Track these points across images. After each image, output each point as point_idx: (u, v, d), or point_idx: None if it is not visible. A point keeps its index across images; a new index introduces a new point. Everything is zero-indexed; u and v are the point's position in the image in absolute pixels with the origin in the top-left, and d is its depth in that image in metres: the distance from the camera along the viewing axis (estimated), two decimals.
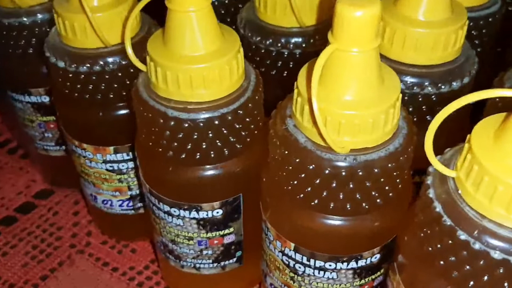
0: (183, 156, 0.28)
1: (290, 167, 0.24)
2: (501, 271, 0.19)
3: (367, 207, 0.24)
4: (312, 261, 0.26)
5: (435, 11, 0.27)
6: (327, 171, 0.23)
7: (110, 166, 0.35)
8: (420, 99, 0.28)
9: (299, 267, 0.27)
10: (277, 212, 0.27)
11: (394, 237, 0.26)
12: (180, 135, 0.27)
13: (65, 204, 0.45)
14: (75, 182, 0.40)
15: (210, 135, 0.27)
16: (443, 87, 0.28)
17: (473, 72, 0.29)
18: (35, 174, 0.48)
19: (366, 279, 0.27)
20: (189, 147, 0.27)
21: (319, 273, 0.27)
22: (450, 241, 0.20)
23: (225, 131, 0.27)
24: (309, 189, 0.24)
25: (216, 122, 0.26)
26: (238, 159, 0.29)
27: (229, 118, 0.27)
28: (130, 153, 0.35)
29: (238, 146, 0.28)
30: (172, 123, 0.26)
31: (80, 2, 0.29)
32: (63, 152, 0.43)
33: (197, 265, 0.33)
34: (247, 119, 0.28)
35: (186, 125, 0.26)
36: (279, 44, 0.33)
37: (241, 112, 0.27)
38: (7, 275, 0.39)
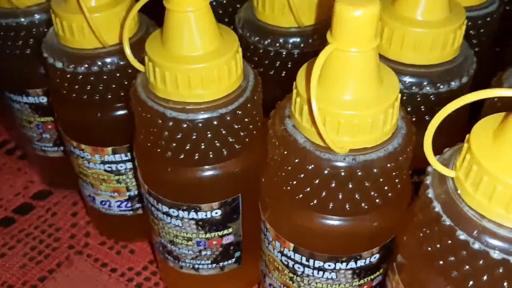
0: (182, 156, 0.27)
1: (289, 167, 0.24)
2: (500, 271, 0.19)
3: (366, 207, 0.24)
4: (311, 261, 0.26)
5: (434, 11, 0.27)
6: (326, 171, 0.23)
7: (109, 167, 0.35)
8: (418, 99, 0.28)
9: (298, 268, 0.27)
10: (276, 212, 0.27)
11: (393, 237, 0.26)
12: (179, 136, 0.27)
13: (63, 205, 0.45)
14: (73, 183, 0.40)
15: (209, 135, 0.27)
16: (441, 87, 0.28)
17: (472, 71, 0.29)
18: (33, 175, 0.48)
19: (365, 279, 0.27)
20: (187, 147, 0.27)
21: (318, 273, 0.27)
22: (449, 241, 0.20)
23: (224, 132, 0.27)
24: (308, 189, 0.24)
25: (215, 123, 0.26)
26: (237, 159, 0.29)
27: (228, 118, 0.27)
28: (129, 154, 0.35)
29: (237, 147, 0.28)
30: (171, 123, 0.26)
31: (78, 3, 0.28)
32: (61, 153, 0.43)
33: (196, 266, 0.33)
34: (246, 120, 0.28)
35: (185, 125, 0.26)
36: (278, 44, 0.33)
37: (240, 112, 0.27)
38: (6, 277, 0.39)
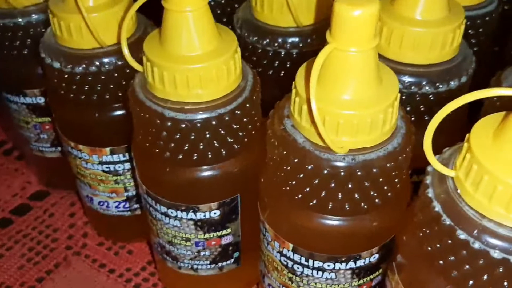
0: (180, 156, 0.27)
1: (289, 167, 0.24)
2: (500, 270, 0.19)
3: (365, 207, 0.24)
4: (310, 261, 0.26)
5: (433, 10, 0.27)
6: (325, 171, 0.23)
7: (107, 167, 0.35)
8: (418, 99, 0.28)
9: (298, 268, 0.27)
10: (275, 212, 0.27)
11: (392, 237, 0.26)
12: (177, 136, 0.27)
13: (61, 205, 0.45)
14: (71, 184, 0.40)
15: (208, 135, 0.27)
16: (440, 86, 0.28)
17: (471, 71, 0.29)
18: (30, 175, 0.48)
19: (365, 279, 0.27)
20: (186, 147, 0.27)
21: (317, 273, 0.27)
22: (449, 241, 0.19)
23: (222, 132, 0.27)
24: (307, 189, 0.24)
25: (214, 123, 0.26)
26: (235, 159, 0.28)
27: (227, 118, 0.26)
28: (127, 154, 0.35)
29: (236, 147, 0.28)
30: (169, 123, 0.26)
31: (75, 3, 0.28)
32: (59, 153, 0.43)
33: (195, 266, 0.33)
34: (245, 120, 0.28)
35: (183, 125, 0.26)
36: (276, 44, 0.32)
37: (238, 112, 0.27)
38: (3, 278, 0.39)
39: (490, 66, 0.33)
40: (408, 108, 0.28)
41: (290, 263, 0.27)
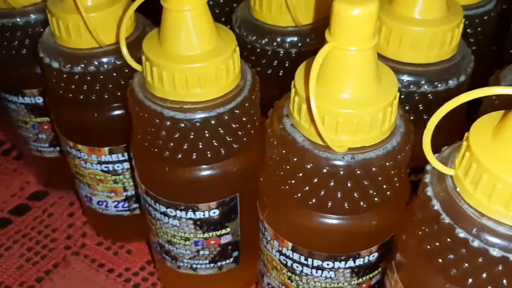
0: (180, 156, 0.27)
1: (288, 167, 0.24)
2: (500, 268, 0.19)
3: (364, 206, 0.24)
4: (310, 260, 0.26)
5: (431, 10, 0.27)
6: (325, 170, 0.23)
7: (105, 167, 0.35)
8: (416, 98, 0.28)
9: (297, 267, 0.27)
10: (274, 211, 0.27)
11: (392, 235, 0.26)
12: (176, 135, 0.27)
13: (59, 205, 0.45)
14: (70, 184, 0.40)
15: (207, 135, 0.27)
16: (439, 85, 0.28)
17: (469, 70, 0.29)
18: (29, 175, 0.48)
19: (364, 278, 0.27)
20: (185, 147, 0.27)
21: (316, 272, 0.27)
22: (448, 239, 0.20)
23: (221, 131, 0.27)
24: (306, 188, 0.24)
25: (213, 122, 0.26)
26: (234, 159, 0.28)
27: (226, 117, 0.26)
28: (126, 154, 0.35)
29: (235, 146, 0.28)
30: (168, 123, 0.26)
31: (74, 2, 0.28)
32: (57, 153, 0.43)
33: (194, 266, 0.33)
34: (244, 119, 0.28)
35: (182, 125, 0.26)
36: (275, 44, 0.32)
37: (237, 111, 0.27)
38: (2, 278, 0.39)
39: (488, 65, 0.33)
40: (407, 107, 0.28)
41: (289, 262, 0.27)
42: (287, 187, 0.25)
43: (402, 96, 0.28)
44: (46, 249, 0.41)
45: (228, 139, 0.27)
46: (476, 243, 0.19)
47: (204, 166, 0.28)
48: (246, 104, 0.27)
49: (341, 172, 0.23)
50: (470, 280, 0.20)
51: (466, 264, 0.19)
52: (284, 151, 0.24)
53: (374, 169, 0.23)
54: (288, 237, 0.26)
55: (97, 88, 0.31)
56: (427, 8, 0.27)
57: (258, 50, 0.33)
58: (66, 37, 0.30)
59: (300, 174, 0.24)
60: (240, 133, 0.28)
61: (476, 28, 0.34)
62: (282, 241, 0.27)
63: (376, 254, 0.26)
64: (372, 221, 0.25)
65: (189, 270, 0.33)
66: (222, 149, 0.28)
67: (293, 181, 0.24)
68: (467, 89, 0.29)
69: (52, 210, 0.44)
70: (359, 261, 0.26)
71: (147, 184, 0.30)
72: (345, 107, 0.22)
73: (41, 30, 0.35)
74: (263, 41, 0.33)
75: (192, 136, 0.27)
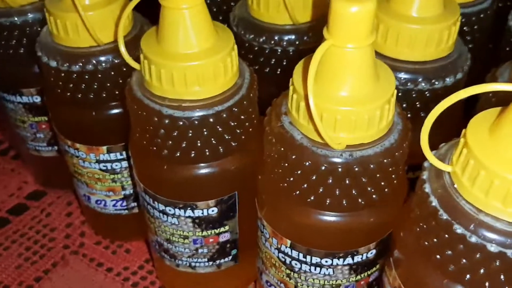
0: (178, 154, 0.27)
1: (286, 164, 0.24)
2: (497, 264, 0.19)
3: (363, 203, 0.24)
4: (308, 257, 0.26)
5: (428, 8, 0.27)
6: (323, 168, 0.23)
7: (104, 166, 0.35)
8: (414, 95, 0.28)
9: (295, 264, 0.27)
10: (273, 209, 0.27)
11: (389, 232, 0.26)
12: (175, 133, 0.27)
13: (58, 205, 0.45)
14: (68, 183, 0.40)
15: (205, 133, 0.27)
16: (436, 83, 0.28)
17: (466, 68, 0.29)
18: (27, 175, 0.48)
19: (362, 275, 0.27)
20: (184, 145, 0.27)
21: (315, 269, 0.27)
22: (446, 235, 0.20)
23: (220, 129, 0.27)
24: (305, 185, 0.24)
25: (211, 120, 0.26)
26: (233, 157, 0.29)
27: (224, 116, 0.27)
28: (124, 153, 0.35)
29: (233, 144, 0.28)
30: (167, 121, 0.26)
31: (72, 1, 0.28)
32: (55, 152, 0.43)
33: (193, 264, 0.33)
34: (242, 117, 0.28)
35: (181, 123, 0.26)
36: (273, 42, 0.33)
37: (236, 109, 0.27)
38: (1, 277, 0.39)
39: (485, 63, 0.33)
40: (404, 105, 0.28)
41: (288, 260, 0.27)
42: (286, 184, 0.25)
43: (400, 94, 0.28)
44: (45, 249, 0.41)
45: (227, 137, 0.28)
46: (473, 239, 0.19)
47: (202, 164, 0.28)
48: (244, 102, 0.27)
49: (339, 169, 0.23)
50: (468, 276, 0.20)
51: (464, 260, 0.19)
52: (282, 149, 0.24)
53: (372, 166, 0.23)
54: (286, 234, 0.26)
55: (95, 86, 0.31)
56: (424, 6, 0.27)
57: (256, 49, 0.33)
58: (64, 36, 0.30)
59: (299, 172, 0.24)
60: (238, 131, 0.28)
61: (472, 26, 0.34)
62: (280, 239, 0.27)
63: (374, 251, 0.26)
64: (370, 218, 0.25)
65: (188, 268, 0.34)
66: (220, 147, 0.28)
67: (291, 179, 0.24)
68: (464, 86, 0.29)
69: (50, 209, 0.44)
70: (357, 258, 0.26)
71: (145, 183, 0.30)
72: (343, 105, 0.22)
73: (39, 29, 0.35)
74: (261, 40, 0.33)
75: (190, 134, 0.27)
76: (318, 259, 0.26)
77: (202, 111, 0.26)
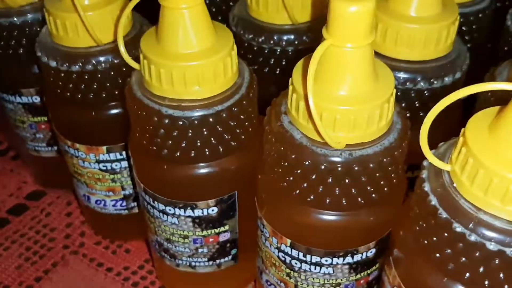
0: (178, 154, 0.28)
1: (286, 164, 0.24)
2: (496, 262, 0.19)
3: (362, 202, 0.24)
4: (308, 256, 0.26)
5: (427, 7, 0.27)
6: (323, 167, 0.23)
7: (103, 166, 0.35)
8: (412, 95, 0.29)
9: (295, 263, 0.27)
10: (273, 208, 0.27)
11: (389, 231, 0.26)
12: (175, 133, 0.27)
13: (57, 205, 0.45)
14: (68, 183, 0.40)
15: (205, 132, 0.27)
16: (435, 82, 0.28)
17: (465, 67, 0.29)
18: (26, 175, 0.48)
19: (362, 274, 0.27)
20: (183, 145, 0.27)
21: (315, 268, 0.27)
22: (446, 234, 0.20)
23: (219, 129, 0.27)
24: (305, 185, 0.24)
25: (211, 120, 0.26)
26: (233, 156, 0.29)
27: (224, 115, 0.27)
28: (123, 153, 0.35)
29: (233, 144, 0.28)
30: (167, 121, 0.26)
31: (72, 1, 0.28)
32: (55, 152, 0.43)
33: (193, 264, 0.33)
34: (242, 117, 0.28)
35: (181, 123, 0.26)
36: (272, 42, 0.33)
37: (235, 109, 0.27)
38: (1, 277, 0.39)
39: (483, 62, 0.33)
40: (403, 104, 0.29)
41: (288, 259, 0.27)
42: (285, 184, 0.25)
43: (398, 93, 0.28)
44: (45, 249, 0.41)
45: (226, 136, 0.28)
46: (473, 238, 0.19)
47: (202, 164, 0.28)
48: (244, 102, 0.27)
49: (339, 169, 0.23)
50: (467, 274, 0.20)
51: (463, 259, 0.20)
52: (282, 148, 0.24)
53: (371, 165, 0.23)
54: (286, 233, 0.26)
55: (95, 86, 0.32)
56: (423, 6, 0.27)
57: (255, 48, 0.33)
58: (63, 36, 0.31)
59: (298, 171, 0.24)
60: (238, 130, 0.28)
61: (471, 26, 0.34)
62: (280, 238, 0.27)
63: (374, 250, 0.26)
64: (369, 217, 0.25)
65: (188, 268, 0.34)
66: (220, 147, 0.28)
67: (291, 178, 0.24)
68: (462, 86, 0.29)
69: (50, 209, 0.44)
70: (357, 257, 0.26)
71: (145, 183, 0.30)
72: (343, 104, 0.22)
73: (38, 29, 0.35)
74: (260, 39, 0.33)
75: (190, 134, 0.27)
76: (318, 258, 0.26)
77: (202, 111, 0.26)
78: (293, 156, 0.23)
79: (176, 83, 0.26)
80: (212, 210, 0.30)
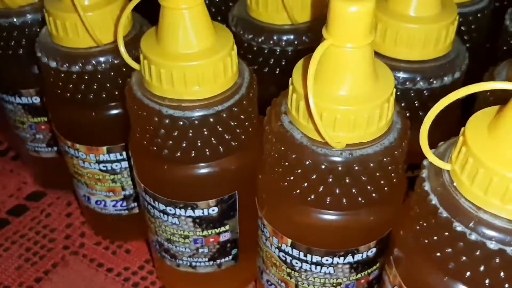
0: (178, 154, 0.28)
1: (286, 163, 0.24)
2: (497, 261, 0.19)
3: (363, 201, 0.24)
4: (309, 256, 0.26)
5: (426, 7, 0.27)
6: (323, 166, 0.23)
7: (104, 166, 0.35)
8: (412, 94, 0.29)
9: (296, 263, 0.27)
10: (273, 208, 0.27)
11: (389, 231, 0.26)
12: (175, 133, 0.27)
13: (57, 205, 0.45)
14: (68, 183, 0.40)
15: (205, 132, 0.27)
16: (435, 82, 0.28)
17: (464, 67, 0.29)
18: (26, 176, 0.48)
19: (363, 273, 0.28)
20: (184, 145, 0.27)
21: (316, 268, 0.27)
22: (446, 233, 0.20)
23: (220, 129, 0.27)
24: (305, 184, 0.24)
25: (211, 120, 0.26)
26: (233, 156, 0.29)
27: (224, 115, 0.27)
28: (124, 153, 0.35)
29: (233, 144, 0.28)
30: (167, 121, 0.26)
31: (71, 1, 0.28)
32: (55, 153, 0.43)
33: (193, 264, 0.33)
34: (242, 117, 0.28)
35: (181, 123, 0.26)
36: (271, 42, 0.33)
37: (235, 109, 0.27)
38: (1, 278, 0.39)
39: (482, 62, 0.33)
40: (402, 104, 0.29)
41: (288, 259, 0.27)
42: (286, 183, 0.25)
43: (398, 93, 0.28)
44: (45, 249, 0.41)
45: (227, 136, 0.28)
46: (473, 237, 0.19)
47: (202, 164, 0.28)
48: (244, 102, 0.27)
49: (339, 168, 0.23)
50: (468, 273, 0.20)
51: (464, 258, 0.20)
52: (282, 148, 0.24)
53: (371, 164, 0.23)
54: (287, 233, 0.26)
55: (95, 87, 0.32)
56: (422, 6, 0.27)
57: (255, 49, 0.33)
58: (63, 36, 0.31)
59: (299, 171, 0.24)
60: (238, 130, 0.28)
61: (470, 25, 0.34)
62: (281, 238, 0.27)
63: (374, 250, 0.27)
64: (370, 217, 0.25)
65: (188, 268, 0.34)
66: (220, 147, 0.28)
67: (291, 178, 0.24)
68: (462, 85, 0.29)
69: (50, 210, 0.44)
70: (357, 257, 0.26)
71: (146, 183, 0.30)
72: (343, 104, 0.22)
73: (38, 30, 0.35)
74: (260, 39, 0.33)
75: (190, 134, 0.27)
76: (319, 258, 0.26)
77: (202, 111, 0.26)
78: (293, 156, 0.23)
79: (176, 83, 0.26)
80: (213, 210, 0.30)
